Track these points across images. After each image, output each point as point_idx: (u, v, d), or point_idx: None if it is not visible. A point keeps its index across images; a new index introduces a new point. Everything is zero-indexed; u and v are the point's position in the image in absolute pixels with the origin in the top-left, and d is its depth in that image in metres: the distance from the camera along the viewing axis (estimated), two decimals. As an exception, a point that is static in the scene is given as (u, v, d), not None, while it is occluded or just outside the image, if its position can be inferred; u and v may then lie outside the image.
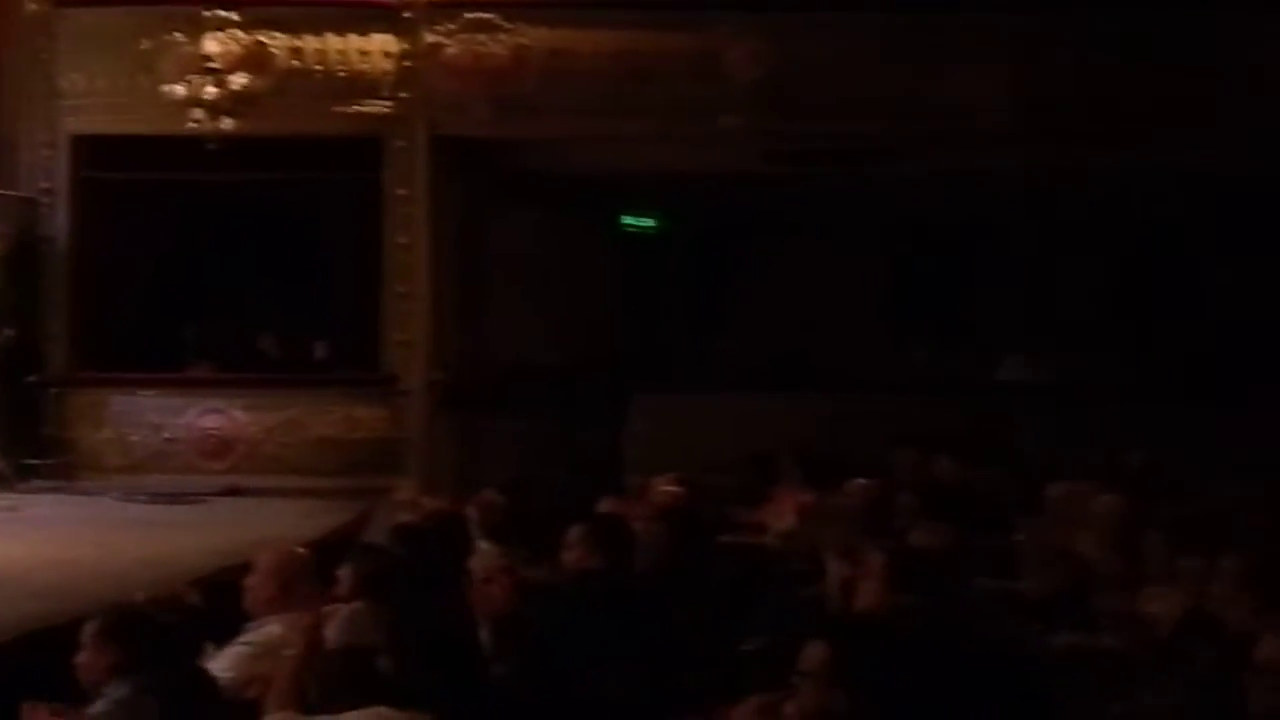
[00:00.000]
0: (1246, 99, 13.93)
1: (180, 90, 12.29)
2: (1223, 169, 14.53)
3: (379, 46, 13.12)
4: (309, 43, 13.06)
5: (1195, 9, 14.41)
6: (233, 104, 12.28)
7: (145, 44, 12.99)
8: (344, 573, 6.09)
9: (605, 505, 8.05)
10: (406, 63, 13.15)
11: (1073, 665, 5.91)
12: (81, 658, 4.94)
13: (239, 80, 12.35)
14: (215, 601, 6.19)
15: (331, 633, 5.48)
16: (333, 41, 13.13)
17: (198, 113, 12.21)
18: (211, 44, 12.42)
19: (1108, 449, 11.48)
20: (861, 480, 8.68)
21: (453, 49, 13.26)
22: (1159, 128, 14.21)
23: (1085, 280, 16.56)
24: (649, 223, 16.83)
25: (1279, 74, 14.10)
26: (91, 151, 13.16)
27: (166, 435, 12.99)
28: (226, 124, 12.20)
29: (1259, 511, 8.72)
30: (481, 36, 13.31)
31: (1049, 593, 7.14)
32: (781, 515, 9.93)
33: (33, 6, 13.16)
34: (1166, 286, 16.52)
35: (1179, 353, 15.57)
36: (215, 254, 13.27)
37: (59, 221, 13.11)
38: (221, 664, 5.45)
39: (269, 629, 5.71)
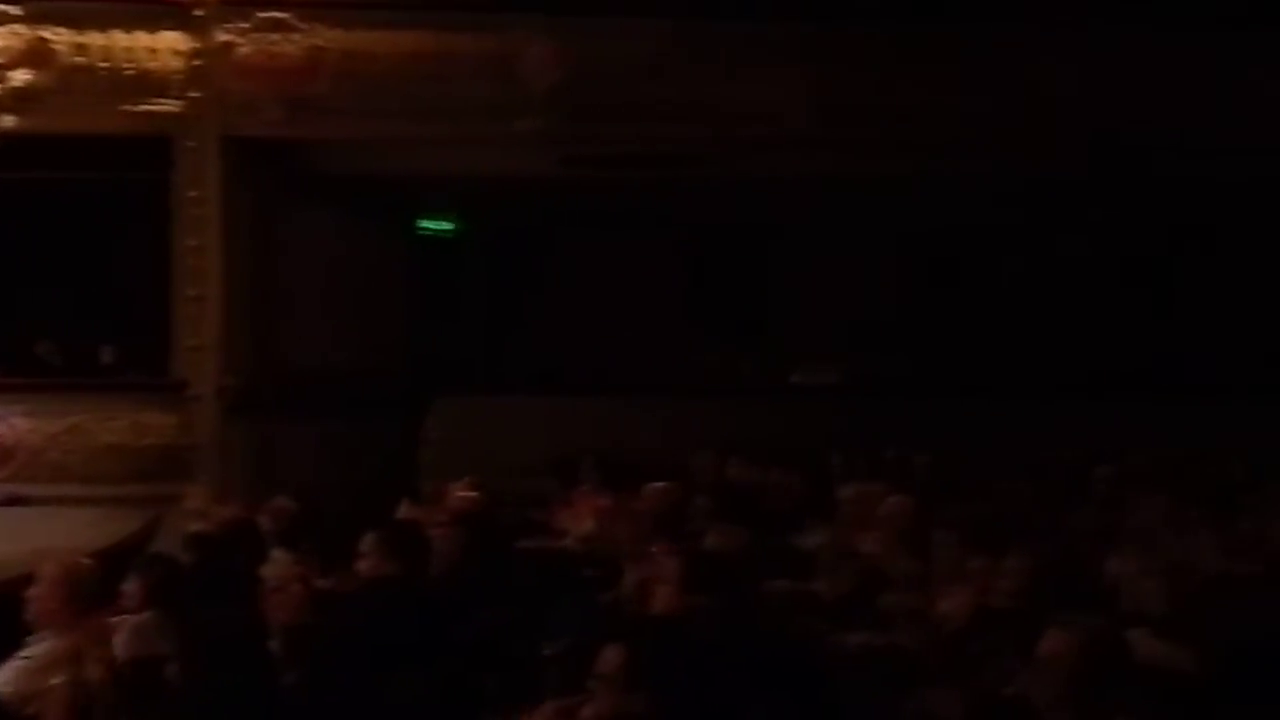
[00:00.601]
0: (1024, 110, 14.39)
1: (-42, 86, 11.90)
2: (1011, 174, 14.94)
3: (169, 44, 12.81)
4: (94, 39, 12.70)
5: (975, 21, 14.81)
6: (14, 101, 11.91)
7: (-79, 38, 12.54)
8: (131, 583, 5.94)
9: (402, 511, 7.98)
10: (197, 61, 12.86)
11: (864, 664, 6.02)
12: None
13: (20, 77, 11.99)
14: (-5, 614, 5.99)
15: (119, 644, 5.34)
16: (120, 39, 12.80)
17: (-24, 109, 11.84)
18: (-9, 39, 12.04)
19: (898, 450, 11.74)
20: (658, 484, 8.72)
21: (245, 48, 13.01)
22: (952, 135, 14.57)
23: (881, 283, 16.87)
24: (446, 226, 16.72)
25: (1052, 87, 14.59)
26: None
27: (-58, 444, 12.53)
28: (7, 121, 11.84)
29: (1042, 509, 8.99)
30: (275, 36, 13.09)
31: (841, 593, 7.27)
32: (580, 519, 9.94)
33: None
34: (963, 289, 16.91)
35: (971, 354, 15.96)
36: (-8, 256, 12.85)
37: None
38: (2, 678, 5.27)
39: (52, 642, 5.54)
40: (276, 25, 13.11)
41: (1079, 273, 16.72)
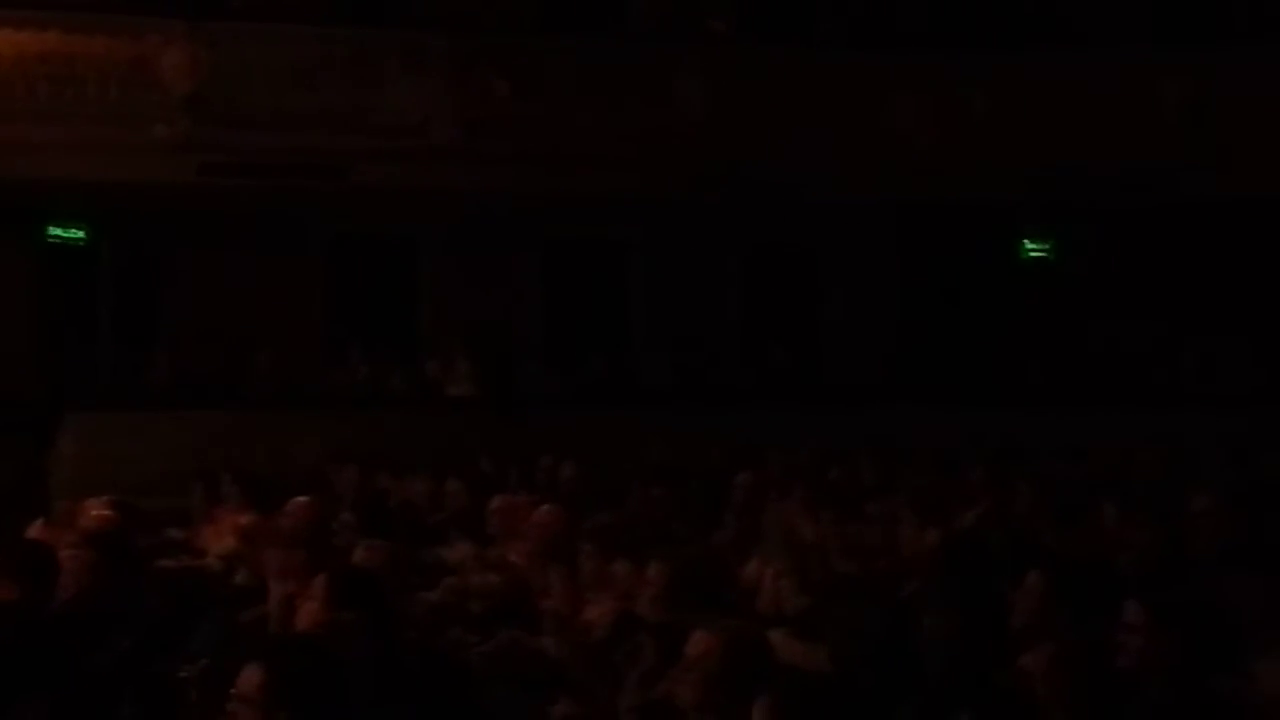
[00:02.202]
0: (666, 127, 14.79)
1: None
2: (651, 192, 15.30)
3: None
4: None
5: (624, 40, 15.14)
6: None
7: None
8: None
9: (31, 531, 7.61)
10: None
11: (513, 673, 6.04)
12: None
13: None
14: None
15: None
16: None
17: None
18: None
19: (545, 461, 11.82)
20: (302, 499, 8.55)
21: None
22: (592, 151, 14.84)
23: (532, 295, 16.99)
24: (78, 234, 16.06)
25: (695, 102, 15.01)
26: None
27: None
28: None
29: (683, 515, 9.17)
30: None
31: (492, 603, 7.28)
32: (222, 536, 9.67)
33: None
34: (598, 300, 17.15)
35: (611, 364, 16.20)
36: None
37: None
38: None
39: None
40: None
41: (715, 285, 17.15)
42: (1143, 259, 16.51)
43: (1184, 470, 10.50)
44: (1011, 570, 5.80)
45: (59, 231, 15.87)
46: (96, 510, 8.63)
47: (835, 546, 7.65)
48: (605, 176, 15.12)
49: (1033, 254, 17.29)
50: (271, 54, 14.47)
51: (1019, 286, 17.01)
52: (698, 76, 15.44)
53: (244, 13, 14.67)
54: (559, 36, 15.51)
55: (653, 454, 12.61)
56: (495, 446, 12.76)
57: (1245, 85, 15.27)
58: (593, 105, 15.17)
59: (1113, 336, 16.35)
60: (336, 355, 16.00)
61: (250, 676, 4.21)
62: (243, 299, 15.81)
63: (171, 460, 12.62)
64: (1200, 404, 14.39)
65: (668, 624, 5.85)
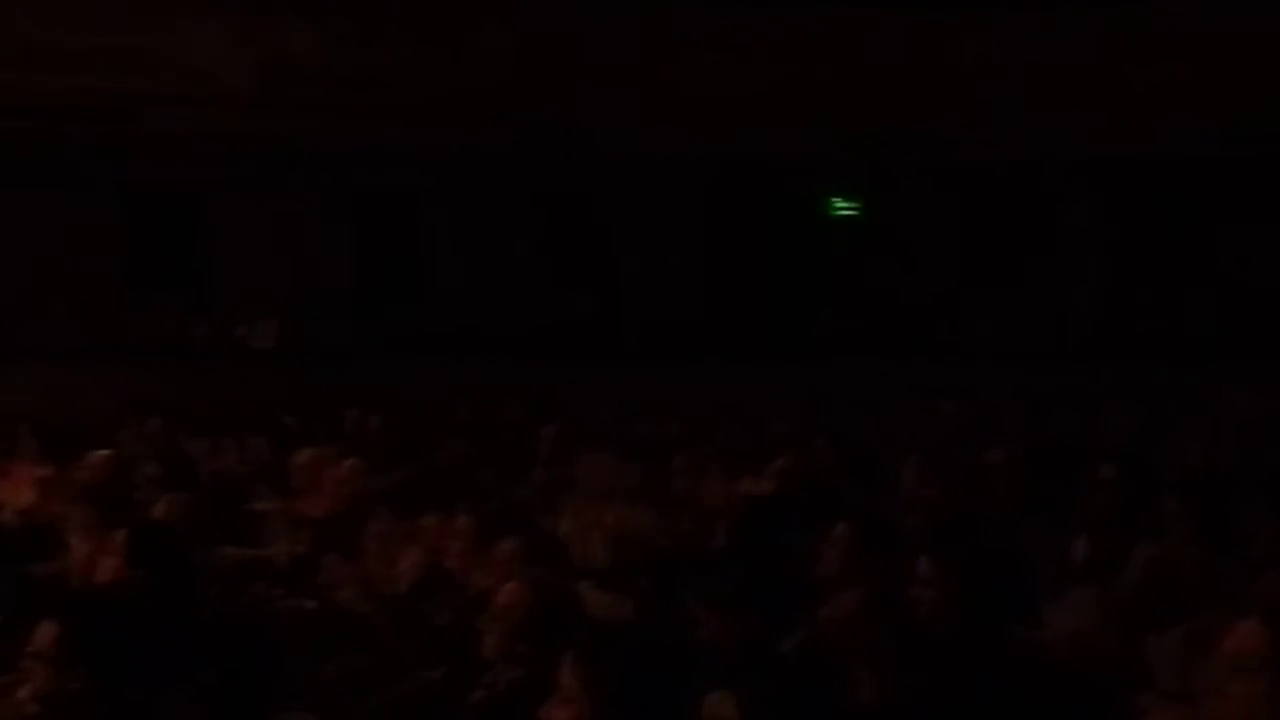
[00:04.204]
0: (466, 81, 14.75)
1: None
2: (450, 140, 15.21)
3: None
4: None
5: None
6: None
7: None
8: None
9: None
10: None
11: (315, 627, 6.01)
12: None
13: None
14: None
15: None
16: None
17: None
18: None
19: (351, 414, 11.72)
20: (102, 452, 8.39)
21: None
22: (387, 98, 14.71)
23: (332, 245, 16.75)
24: None
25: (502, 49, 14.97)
26: None
27: None
28: None
29: (489, 468, 9.17)
30: None
31: (292, 558, 7.22)
32: (19, 490, 9.44)
33: None
34: (401, 252, 16.98)
35: (414, 316, 16.09)
36: None
37: None
38: None
39: None
40: None
41: (515, 235, 17.06)
42: (946, 216, 16.88)
43: (980, 424, 10.77)
44: (814, 525, 5.93)
45: None
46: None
47: (642, 499, 7.72)
48: (405, 123, 14.99)
49: (841, 211, 17.56)
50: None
51: (827, 242, 17.25)
52: (500, 24, 15.40)
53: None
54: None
55: (458, 407, 12.56)
56: (299, 400, 12.61)
57: (1043, 48, 15.71)
58: (399, 53, 15.05)
59: (912, 291, 16.69)
60: (135, 305, 15.63)
61: (46, 632, 4.15)
62: (34, 246, 15.32)
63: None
64: (997, 359, 14.78)
65: (475, 577, 5.88)
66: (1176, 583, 5.53)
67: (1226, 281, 16.18)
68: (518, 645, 4.65)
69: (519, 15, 15.52)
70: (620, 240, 17.21)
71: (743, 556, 5.78)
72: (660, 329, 16.31)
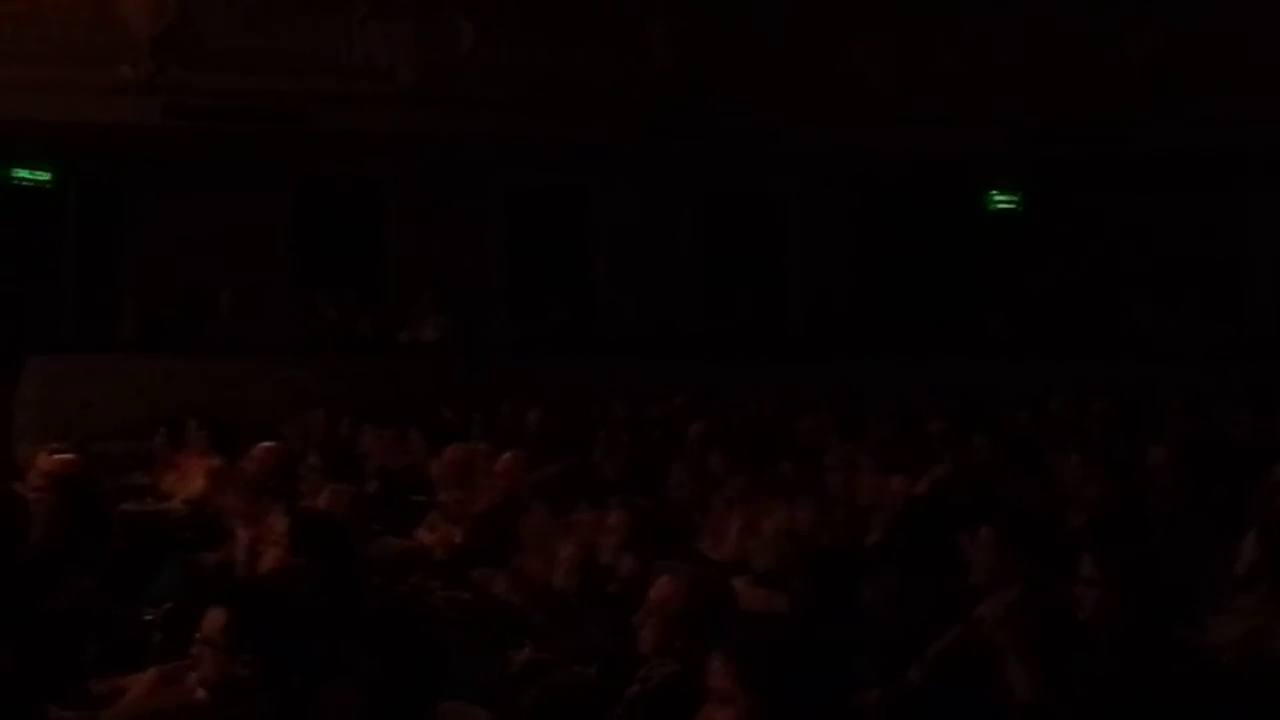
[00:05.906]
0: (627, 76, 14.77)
1: None
2: (615, 138, 15.26)
3: None
4: None
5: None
6: None
7: None
8: None
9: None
10: None
11: (474, 619, 6.09)
12: None
13: None
14: None
15: None
16: None
17: None
18: None
19: (508, 408, 11.85)
20: (267, 444, 8.56)
21: None
22: (550, 96, 14.81)
23: (495, 242, 16.90)
24: (43, 176, 15.92)
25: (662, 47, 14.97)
26: None
27: None
28: None
29: (640, 464, 9.21)
30: None
31: (452, 550, 7.32)
32: (188, 481, 9.70)
33: None
34: (563, 250, 17.08)
35: (575, 313, 16.17)
36: None
37: None
38: None
39: None
40: None
41: (676, 233, 17.05)
42: (1105, 211, 16.58)
43: (1141, 423, 10.58)
44: (971, 524, 5.86)
45: (24, 174, 15.74)
46: (59, 454, 8.62)
47: (799, 502, 7.69)
48: (570, 121, 15.07)
49: (1000, 205, 17.33)
50: (237, -4, 14.39)
51: (984, 238, 17.03)
52: (664, 20, 15.41)
53: (210, -46, 14.55)
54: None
55: (615, 403, 12.63)
56: (459, 393, 12.77)
57: (1208, 40, 15.35)
58: (559, 49, 15.14)
59: (1072, 288, 16.41)
60: (302, 300, 15.92)
61: (214, 619, 4.24)
62: (208, 243, 15.69)
63: (136, 405, 12.60)
64: (1157, 357, 14.48)
65: (629, 571, 5.91)
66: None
67: None
68: (673, 640, 4.65)
69: (681, 10, 15.52)
70: (786, 237, 17.16)
71: (900, 554, 5.72)
72: (823, 326, 16.20)
